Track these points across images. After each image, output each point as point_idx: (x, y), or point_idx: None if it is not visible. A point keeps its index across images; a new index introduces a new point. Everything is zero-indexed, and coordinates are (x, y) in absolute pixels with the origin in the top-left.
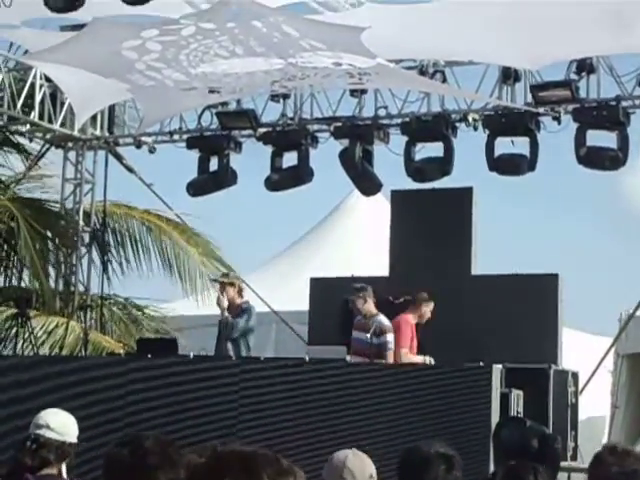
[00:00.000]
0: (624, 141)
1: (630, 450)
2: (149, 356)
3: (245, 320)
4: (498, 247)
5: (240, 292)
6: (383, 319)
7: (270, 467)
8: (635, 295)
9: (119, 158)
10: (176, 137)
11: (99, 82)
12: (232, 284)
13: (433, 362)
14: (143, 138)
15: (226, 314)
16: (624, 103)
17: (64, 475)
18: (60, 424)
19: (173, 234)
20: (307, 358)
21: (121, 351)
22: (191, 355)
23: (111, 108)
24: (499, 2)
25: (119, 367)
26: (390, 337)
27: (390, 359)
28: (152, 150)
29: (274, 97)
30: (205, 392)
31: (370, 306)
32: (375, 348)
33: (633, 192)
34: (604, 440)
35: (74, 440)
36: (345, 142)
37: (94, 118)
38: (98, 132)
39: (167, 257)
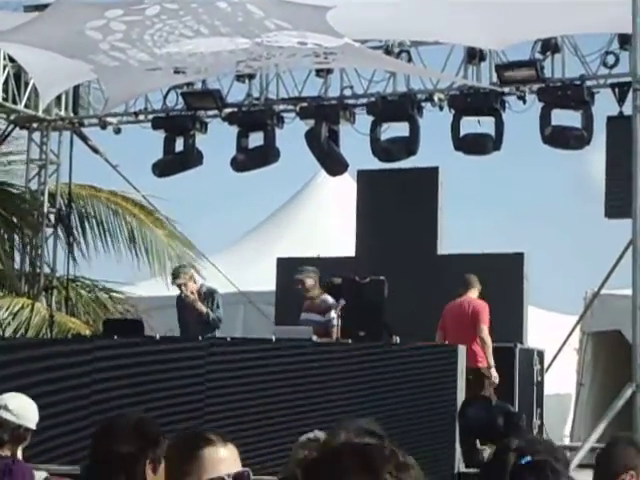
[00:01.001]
0: (589, 120)
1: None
2: (115, 337)
3: (216, 308)
4: (464, 226)
5: (192, 278)
6: (328, 297)
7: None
8: (600, 274)
9: (84, 139)
10: (141, 118)
11: (63, 62)
12: (189, 278)
13: (399, 341)
14: (108, 119)
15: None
16: (588, 82)
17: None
18: (19, 407)
19: (139, 216)
20: (274, 338)
21: (87, 332)
22: (157, 336)
23: (76, 89)
24: None
25: (85, 347)
26: (334, 314)
27: (334, 336)
28: (117, 131)
29: (239, 77)
30: (172, 373)
31: (317, 286)
32: (324, 326)
33: (601, 172)
34: (570, 417)
35: (32, 426)
36: (311, 122)
37: (59, 99)
38: (63, 113)
39: (134, 238)
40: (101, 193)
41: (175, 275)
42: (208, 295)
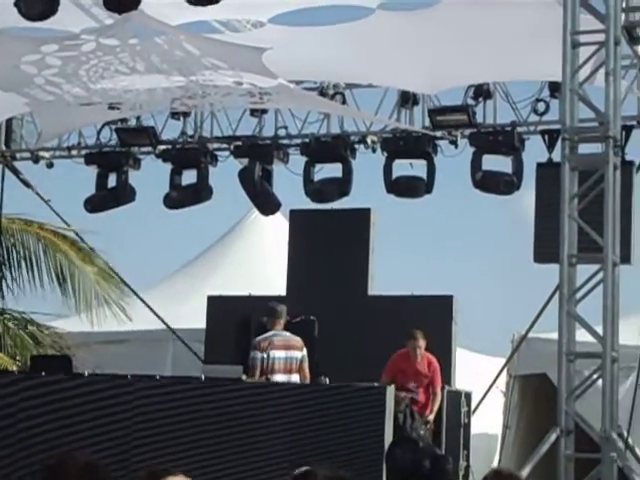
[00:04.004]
0: (519, 166)
1: (515, 475)
2: (42, 373)
3: None
4: (396, 268)
5: None
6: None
7: None
8: (528, 317)
9: (16, 173)
10: (74, 153)
11: None
12: None
13: (328, 382)
14: (41, 153)
15: None
16: (519, 129)
17: None
18: None
19: (69, 252)
20: (203, 377)
21: (14, 367)
22: (86, 373)
23: (8, 122)
24: (397, 28)
25: (11, 385)
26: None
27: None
28: (50, 165)
29: (174, 115)
30: (99, 411)
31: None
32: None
33: (532, 213)
34: (496, 459)
35: None
36: (245, 161)
37: None
38: None
39: (62, 275)
40: (31, 227)
41: None
42: None
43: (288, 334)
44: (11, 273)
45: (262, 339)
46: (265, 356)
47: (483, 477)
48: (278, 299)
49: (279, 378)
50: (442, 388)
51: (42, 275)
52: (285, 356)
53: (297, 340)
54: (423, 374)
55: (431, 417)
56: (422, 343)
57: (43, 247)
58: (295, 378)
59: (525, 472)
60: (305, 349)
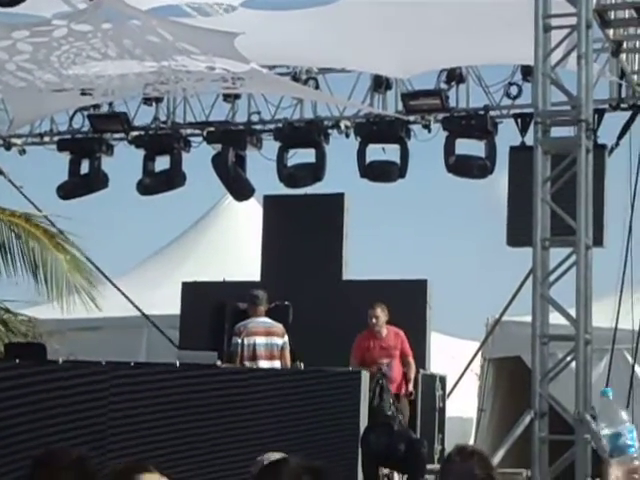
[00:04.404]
0: (492, 150)
1: (476, 451)
2: (16, 361)
3: None
4: (370, 253)
5: None
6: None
7: None
8: (501, 300)
9: None
10: (47, 139)
11: None
12: None
13: (303, 367)
14: (13, 139)
15: None
16: (492, 113)
17: None
18: None
19: (42, 239)
20: (178, 363)
21: None
22: (60, 360)
23: None
24: (370, 11)
25: None
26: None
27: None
28: (22, 152)
29: (147, 100)
30: (74, 398)
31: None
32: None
33: (505, 197)
34: (471, 442)
35: None
36: (218, 147)
37: None
38: None
39: (35, 262)
40: (3, 214)
41: None
42: None
43: (269, 320)
44: None
45: (241, 325)
46: (245, 342)
47: (447, 454)
48: (252, 285)
49: (262, 364)
50: (414, 357)
51: (15, 263)
52: (266, 342)
53: (278, 327)
54: (392, 346)
55: (411, 387)
56: (379, 312)
57: (16, 234)
58: (277, 364)
59: (499, 455)
60: (287, 336)
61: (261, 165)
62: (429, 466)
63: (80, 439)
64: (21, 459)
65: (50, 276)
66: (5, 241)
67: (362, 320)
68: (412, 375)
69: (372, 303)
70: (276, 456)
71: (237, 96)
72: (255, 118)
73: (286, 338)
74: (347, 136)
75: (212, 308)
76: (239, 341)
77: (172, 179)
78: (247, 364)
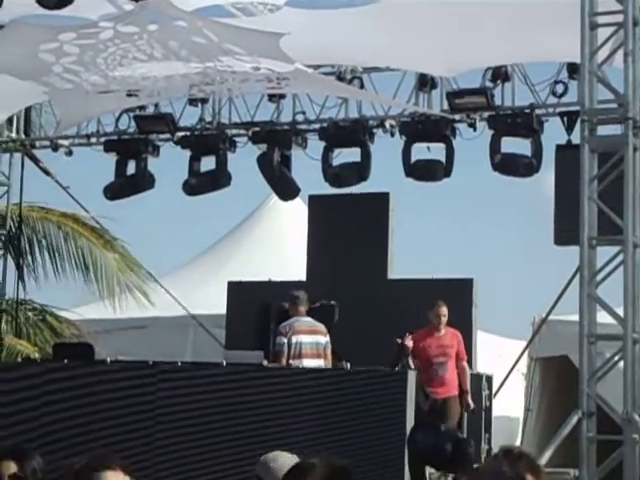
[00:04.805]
0: (538, 148)
1: (524, 454)
2: (65, 361)
3: None
4: (416, 252)
5: None
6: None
7: None
8: (548, 299)
9: (35, 161)
10: (93, 140)
11: (16, 84)
12: None
13: (349, 366)
14: (60, 141)
15: None
16: (538, 111)
17: None
18: None
19: (90, 238)
20: (224, 363)
21: (36, 355)
22: (108, 360)
23: (27, 110)
24: (415, 10)
25: (35, 373)
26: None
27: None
28: (69, 153)
29: (192, 101)
30: (122, 397)
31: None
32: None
33: (551, 195)
34: (518, 442)
35: None
36: (263, 147)
37: (10, 120)
38: (14, 134)
39: (84, 262)
40: (52, 215)
41: None
42: None
43: (311, 320)
44: (33, 262)
45: (286, 325)
46: (292, 342)
47: (493, 455)
48: (298, 284)
49: (308, 363)
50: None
51: (64, 263)
52: (311, 341)
53: (321, 326)
54: (449, 345)
55: (469, 399)
56: (446, 311)
57: (64, 235)
58: (322, 363)
59: (547, 455)
60: (329, 335)
61: (306, 165)
62: (476, 466)
63: (128, 439)
64: (68, 456)
65: (100, 275)
66: (54, 242)
67: (408, 319)
68: (468, 382)
69: (437, 301)
70: (284, 456)
71: (282, 96)
72: (300, 118)
73: (328, 337)
74: (392, 135)
75: (258, 308)
76: (285, 340)
77: (218, 179)
78: (293, 363)
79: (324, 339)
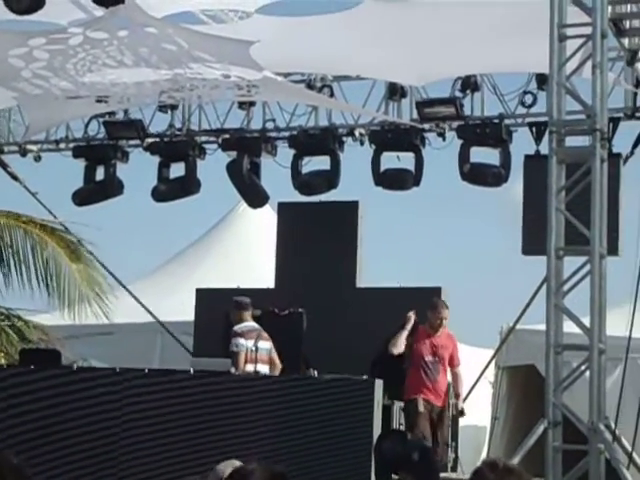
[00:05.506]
0: (506, 158)
1: (511, 468)
2: (32, 367)
3: None
4: (385, 260)
5: None
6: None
7: None
8: (516, 309)
9: (3, 166)
10: (62, 146)
11: None
12: None
13: (317, 374)
14: (28, 146)
15: None
16: (507, 121)
17: None
18: None
19: (57, 248)
20: (192, 370)
21: (2, 361)
22: (74, 366)
23: None
24: (385, 19)
25: (0, 376)
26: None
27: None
28: (38, 158)
29: (162, 108)
30: (89, 404)
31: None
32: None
33: (520, 205)
34: (484, 451)
35: None
36: (233, 154)
37: None
38: None
39: (49, 273)
40: (19, 221)
41: None
42: None
43: (258, 325)
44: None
45: (250, 329)
46: (252, 346)
47: (475, 470)
48: (266, 292)
49: (261, 368)
50: None
51: (30, 273)
52: (266, 347)
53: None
54: (443, 346)
55: (461, 403)
56: (447, 313)
57: (31, 243)
58: (268, 369)
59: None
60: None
61: (276, 172)
62: (442, 474)
63: (93, 446)
64: (35, 464)
65: (63, 286)
66: (20, 250)
67: (376, 328)
68: (462, 389)
69: (441, 302)
70: (234, 465)
71: (252, 103)
72: (270, 125)
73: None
74: (362, 144)
75: (226, 315)
76: (242, 342)
77: (187, 186)
78: (248, 367)
79: (270, 344)
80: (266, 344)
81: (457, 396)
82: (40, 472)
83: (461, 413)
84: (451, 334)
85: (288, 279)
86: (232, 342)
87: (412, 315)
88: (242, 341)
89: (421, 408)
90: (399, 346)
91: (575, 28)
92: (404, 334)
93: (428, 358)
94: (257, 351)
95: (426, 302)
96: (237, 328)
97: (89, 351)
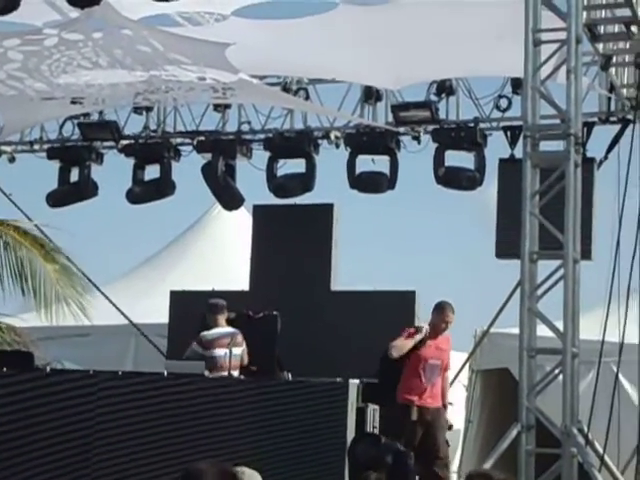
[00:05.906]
0: (481, 162)
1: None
2: (3, 369)
3: None
4: (359, 263)
5: None
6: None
7: None
8: (490, 312)
9: None
10: (36, 147)
11: None
12: None
13: (291, 377)
14: (2, 147)
15: None
16: (481, 125)
17: None
18: None
19: (31, 249)
20: (165, 373)
21: None
22: (47, 369)
23: None
24: (361, 22)
25: None
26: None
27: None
28: (11, 160)
29: (137, 109)
30: (61, 407)
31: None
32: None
33: (494, 209)
34: (458, 454)
35: None
36: (208, 156)
37: None
38: None
39: (23, 274)
40: None
41: None
42: None
43: (234, 330)
44: None
45: (220, 336)
46: (228, 353)
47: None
48: (241, 294)
49: (235, 375)
50: None
51: (3, 274)
52: (238, 353)
53: (239, 335)
54: (444, 349)
55: (446, 400)
56: (452, 318)
57: (4, 244)
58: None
59: (486, 467)
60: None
61: (251, 175)
62: (416, 478)
63: (66, 448)
64: (7, 467)
65: (38, 287)
66: None
67: (351, 330)
68: (448, 396)
69: (449, 307)
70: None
71: (227, 106)
72: (245, 128)
73: (244, 346)
74: (337, 147)
75: (202, 317)
76: (222, 352)
77: (162, 188)
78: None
79: (242, 349)
80: (238, 350)
81: (445, 407)
82: (13, 475)
83: (449, 428)
84: (448, 337)
85: (263, 281)
86: (190, 346)
87: (426, 328)
88: (217, 352)
89: (414, 417)
90: (399, 350)
91: (550, 33)
92: (410, 343)
93: (431, 361)
94: (231, 357)
95: (400, 305)
96: (204, 335)
97: (63, 353)
